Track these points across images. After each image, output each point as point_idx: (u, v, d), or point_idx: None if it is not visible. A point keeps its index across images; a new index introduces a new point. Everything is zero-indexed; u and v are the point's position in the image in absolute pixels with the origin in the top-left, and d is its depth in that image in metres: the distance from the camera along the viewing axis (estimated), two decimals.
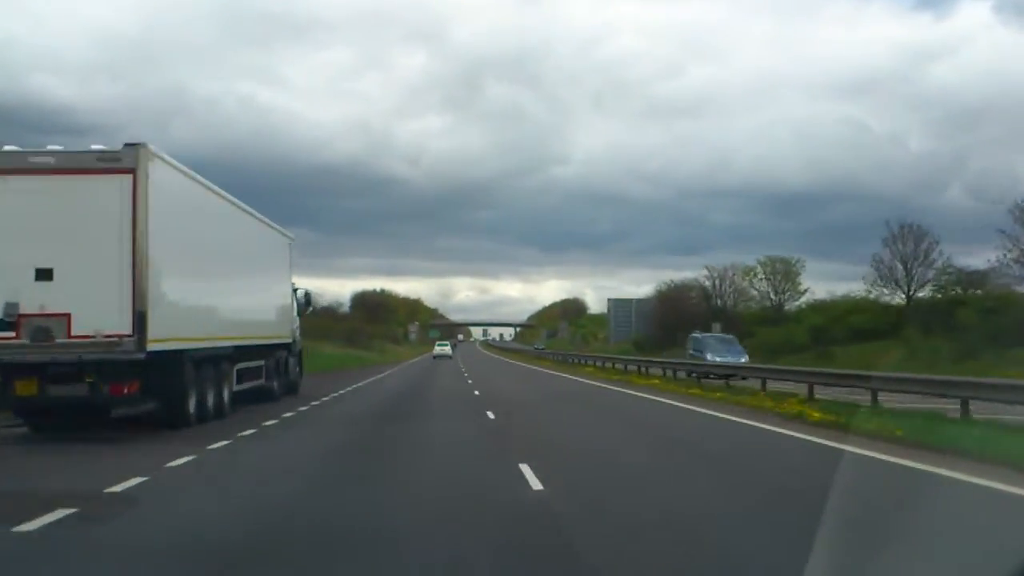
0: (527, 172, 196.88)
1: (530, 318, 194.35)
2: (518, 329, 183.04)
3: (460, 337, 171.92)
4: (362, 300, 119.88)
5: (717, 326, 46.22)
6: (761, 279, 63.48)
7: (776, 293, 62.34)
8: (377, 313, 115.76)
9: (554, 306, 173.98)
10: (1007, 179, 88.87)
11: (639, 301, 75.40)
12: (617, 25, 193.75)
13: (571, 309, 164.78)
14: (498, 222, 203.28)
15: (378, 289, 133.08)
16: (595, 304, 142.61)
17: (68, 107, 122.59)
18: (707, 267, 68.69)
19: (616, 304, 77.77)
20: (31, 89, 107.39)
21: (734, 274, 65.66)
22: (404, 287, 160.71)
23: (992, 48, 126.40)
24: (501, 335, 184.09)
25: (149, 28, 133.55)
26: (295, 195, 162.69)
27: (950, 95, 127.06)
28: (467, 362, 57.22)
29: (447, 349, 73.42)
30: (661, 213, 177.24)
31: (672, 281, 73.52)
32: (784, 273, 61.67)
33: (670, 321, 66.66)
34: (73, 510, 6.37)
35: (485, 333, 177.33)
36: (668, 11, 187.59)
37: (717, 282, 66.94)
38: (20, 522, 5.87)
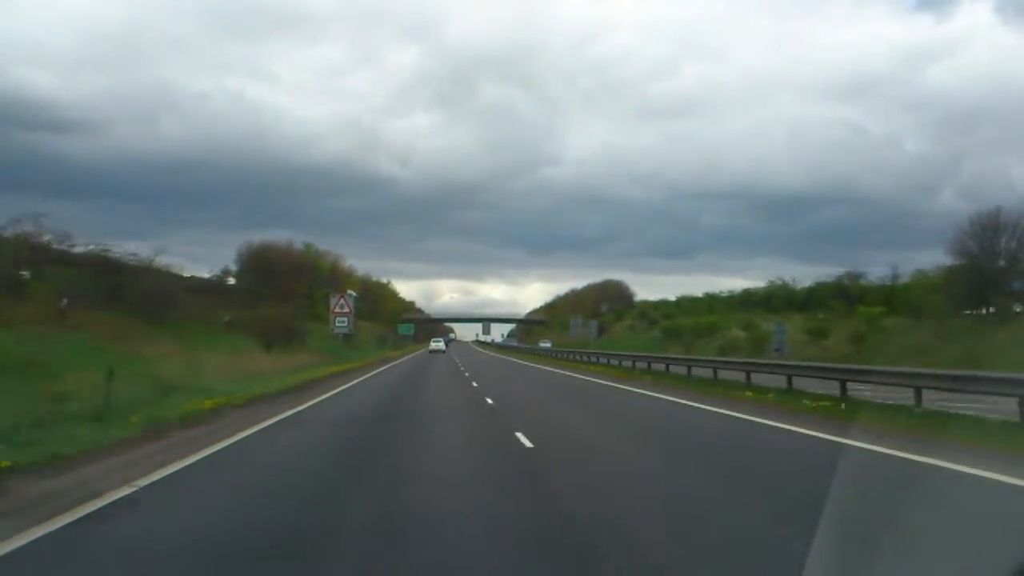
0: (517, 173, 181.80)
1: (532, 312, 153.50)
2: (515, 326, 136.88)
3: (452, 336, 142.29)
4: (256, 259, 60.34)
5: None
6: None
7: None
8: (282, 281, 56.37)
9: (586, 291, 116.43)
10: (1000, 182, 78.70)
11: None
12: (611, 23, 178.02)
13: (612, 295, 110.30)
14: (486, 223, 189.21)
15: (300, 245, 73.42)
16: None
17: (52, 101, 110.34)
18: None
19: None
20: (13, 82, 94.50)
21: None
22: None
23: (991, 50, 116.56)
24: (502, 334, 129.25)
25: (135, 21, 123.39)
26: (282, 193, 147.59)
27: (947, 97, 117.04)
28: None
29: (441, 345, 78.24)
30: (651, 215, 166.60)
31: None
32: None
33: None
34: None
35: (486, 330, 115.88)
36: (663, 8, 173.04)
37: None
38: None
